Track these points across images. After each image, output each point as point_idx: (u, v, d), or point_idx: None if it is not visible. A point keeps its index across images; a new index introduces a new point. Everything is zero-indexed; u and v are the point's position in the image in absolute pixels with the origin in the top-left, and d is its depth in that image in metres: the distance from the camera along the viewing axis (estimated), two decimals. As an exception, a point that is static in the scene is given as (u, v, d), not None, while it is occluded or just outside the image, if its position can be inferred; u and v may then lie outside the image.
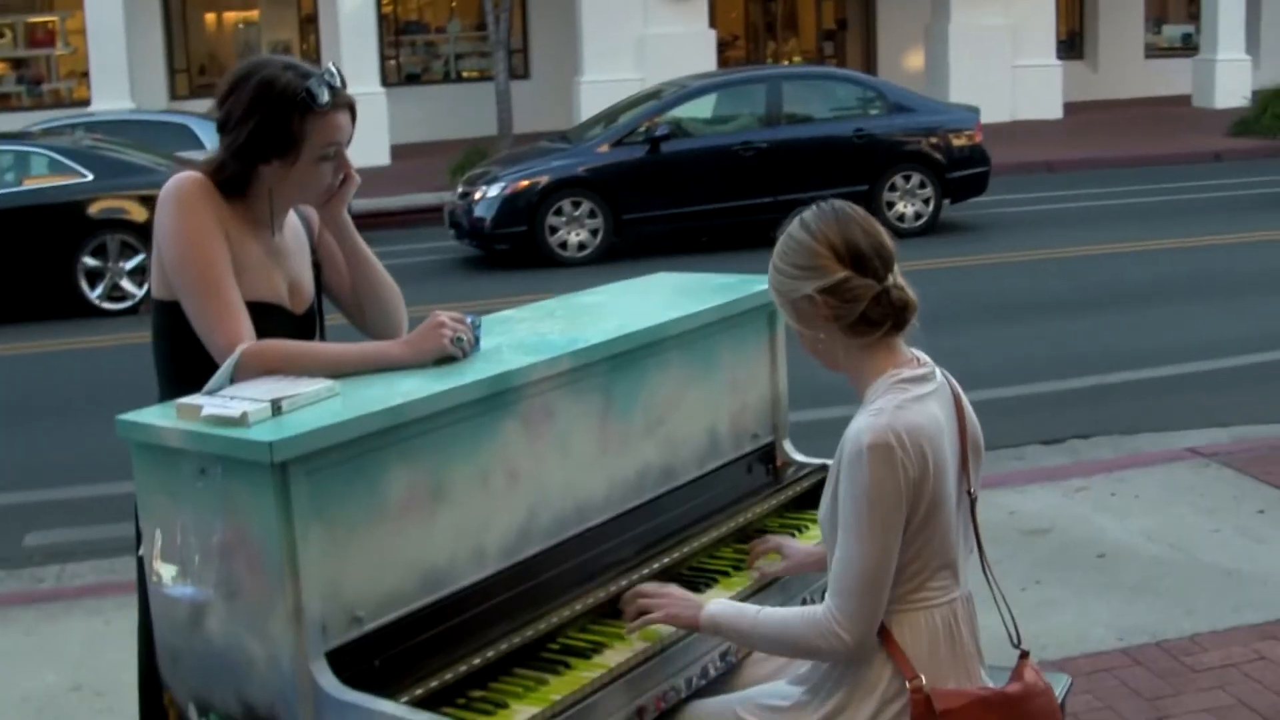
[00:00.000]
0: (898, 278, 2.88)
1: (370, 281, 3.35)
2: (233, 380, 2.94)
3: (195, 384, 2.95)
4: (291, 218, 3.31)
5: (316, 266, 3.38)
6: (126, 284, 13.85)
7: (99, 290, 13.83)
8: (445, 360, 3.06)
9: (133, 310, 13.63)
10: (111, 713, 4.97)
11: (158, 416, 2.82)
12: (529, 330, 3.40)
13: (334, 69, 3.13)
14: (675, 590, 3.08)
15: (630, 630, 3.03)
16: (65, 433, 9.36)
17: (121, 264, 13.83)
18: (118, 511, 7.41)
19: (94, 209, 13.88)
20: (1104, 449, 7.75)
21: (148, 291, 3.25)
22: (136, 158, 14.62)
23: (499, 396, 3.00)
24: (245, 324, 3.02)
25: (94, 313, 13.74)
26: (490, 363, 3.06)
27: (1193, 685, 4.64)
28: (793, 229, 2.91)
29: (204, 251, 3.02)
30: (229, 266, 3.05)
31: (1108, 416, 8.34)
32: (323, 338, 3.35)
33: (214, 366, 2.99)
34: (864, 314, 2.82)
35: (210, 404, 2.74)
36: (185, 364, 3.11)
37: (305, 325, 3.29)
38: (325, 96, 3.05)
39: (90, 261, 13.79)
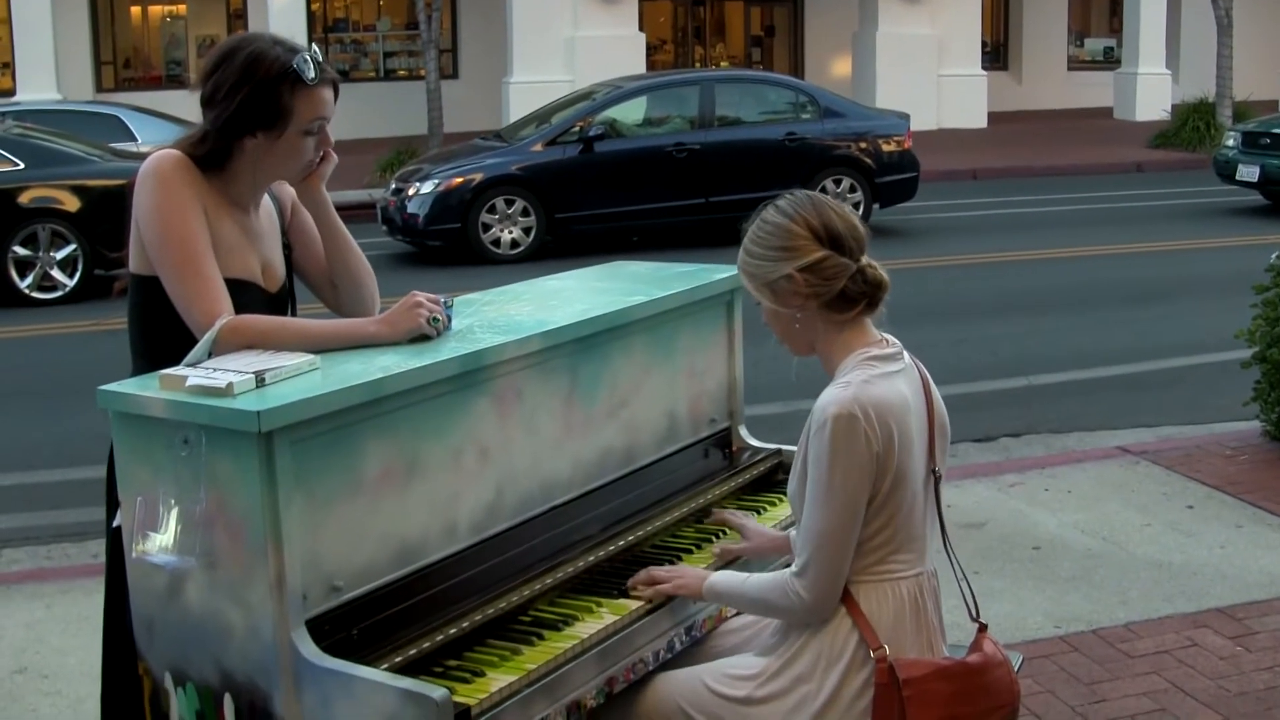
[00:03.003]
0: (870, 259, 2.99)
1: (346, 259, 3.39)
2: (211, 354, 2.98)
3: (170, 359, 2.99)
4: (265, 200, 3.35)
5: (287, 248, 3.42)
6: (57, 274, 13.65)
7: (29, 280, 13.63)
8: (420, 339, 3.12)
9: (64, 300, 13.52)
10: (59, 695, 4.98)
11: (140, 387, 2.85)
12: (498, 312, 3.46)
13: (316, 49, 3.18)
14: (685, 567, 3.26)
15: (647, 596, 3.18)
16: (-2, 421, 9.30)
17: (52, 254, 13.63)
18: (52, 499, 7.41)
19: (24, 198, 13.68)
20: (1035, 447, 7.89)
21: (121, 270, 3.27)
22: (68, 147, 14.41)
23: (472, 374, 3.06)
24: (224, 299, 3.06)
25: (23, 302, 13.56)
26: (464, 341, 3.12)
27: (1129, 671, 4.77)
28: (767, 215, 3.02)
29: (183, 227, 3.06)
30: (208, 242, 3.08)
31: (1037, 416, 8.49)
32: (295, 317, 3.39)
33: (190, 342, 3.02)
34: (842, 291, 2.94)
35: (194, 375, 2.78)
36: (161, 339, 3.14)
37: (278, 304, 3.32)
38: (313, 71, 3.11)
39: (20, 251, 13.59)
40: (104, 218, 13.51)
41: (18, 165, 13.78)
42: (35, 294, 13.63)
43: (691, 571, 3.20)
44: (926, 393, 3.06)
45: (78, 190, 13.72)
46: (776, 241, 2.97)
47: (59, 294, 13.64)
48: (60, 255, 13.66)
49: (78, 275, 13.64)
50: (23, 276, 13.64)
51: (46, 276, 13.69)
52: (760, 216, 3.04)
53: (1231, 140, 17.87)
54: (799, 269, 2.94)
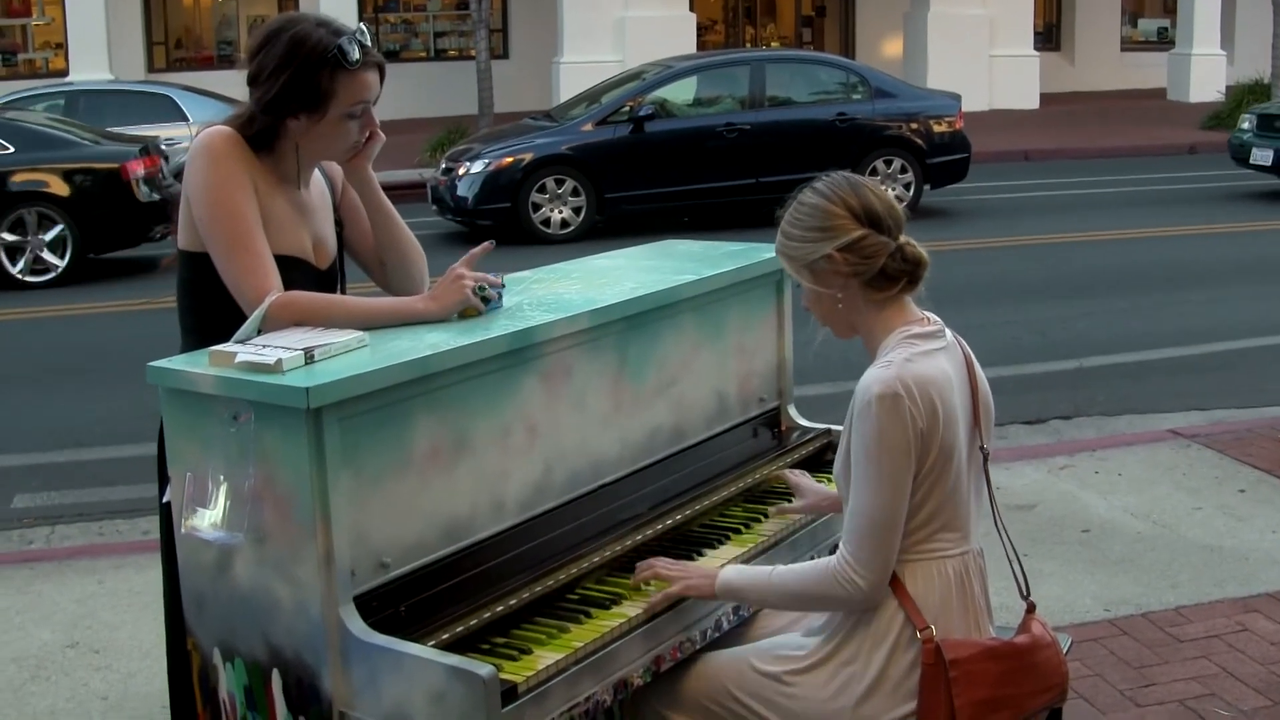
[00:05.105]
0: (909, 237, 2.99)
1: (394, 237, 3.40)
2: (260, 331, 2.98)
3: (219, 335, 2.99)
4: (316, 176, 3.36)
5: (339, 224, 3.43)
6: (48, 255, 13.74)
7: (20, 265, 13.69)
8: (469, 314, 3.11)
9: (56, 282, 13.61)
10: (110, 670, 5.01)
11: (190, 363, 2.86)
12: (547, 290, 3.46)
13: (364, 28, 3.18)
14: (691, 565, 3.17)
15: (654, 602, 3.05)
16: (44, 399, 9.36)
17: (40, 235, 13.70)
18: (100, 477, 7.47)
19: (13, 181, 13.74)
20: (1086, 430, 7.85)
21: (171, 245, 3.28)
22: (61, 131, 14.51)
23: (521, 352, 3.06)
24: (274, 276, 3.07)
25: (16, 286, 13.66)
26: (513, 319, 3.12)
27: (1178, 655, 4.74)
28: (805, 196, 3.02)
29: (234, 204, 3.07)
30: (258, 219, 3.09)
31: (1088, 399, 8.44)
32: (344, 294, 3.39)
33: (238, 318, 3.03)
34: (882, 269, 2.94)
35: (244, 351, 2.78)
36: (210, 315, 3.15)
37: (328, 281, 3.33)
38: (356, 54, 3.10)
39: (8, 237, 13.65)
40: (94, 201, 13.70)
41: (7, 149, 13.86)
42: (28, 278, 13.70)
43: (699, 570, 3.10)
44: (969, 370, 3.05)
45: (67, 175, 13.81)
46: (815, 222, 2.96)
47: (51, 276, 13.72)
48: (49, 237, 13.72)
49: (68, 256, 13.71)
50: (12, 260, 13.70)
51: (38, 260, 13.77)
52: (797, 199, 3.04)
53: (1247, 123, 17.42)
54: (838, 248, 2.93)
